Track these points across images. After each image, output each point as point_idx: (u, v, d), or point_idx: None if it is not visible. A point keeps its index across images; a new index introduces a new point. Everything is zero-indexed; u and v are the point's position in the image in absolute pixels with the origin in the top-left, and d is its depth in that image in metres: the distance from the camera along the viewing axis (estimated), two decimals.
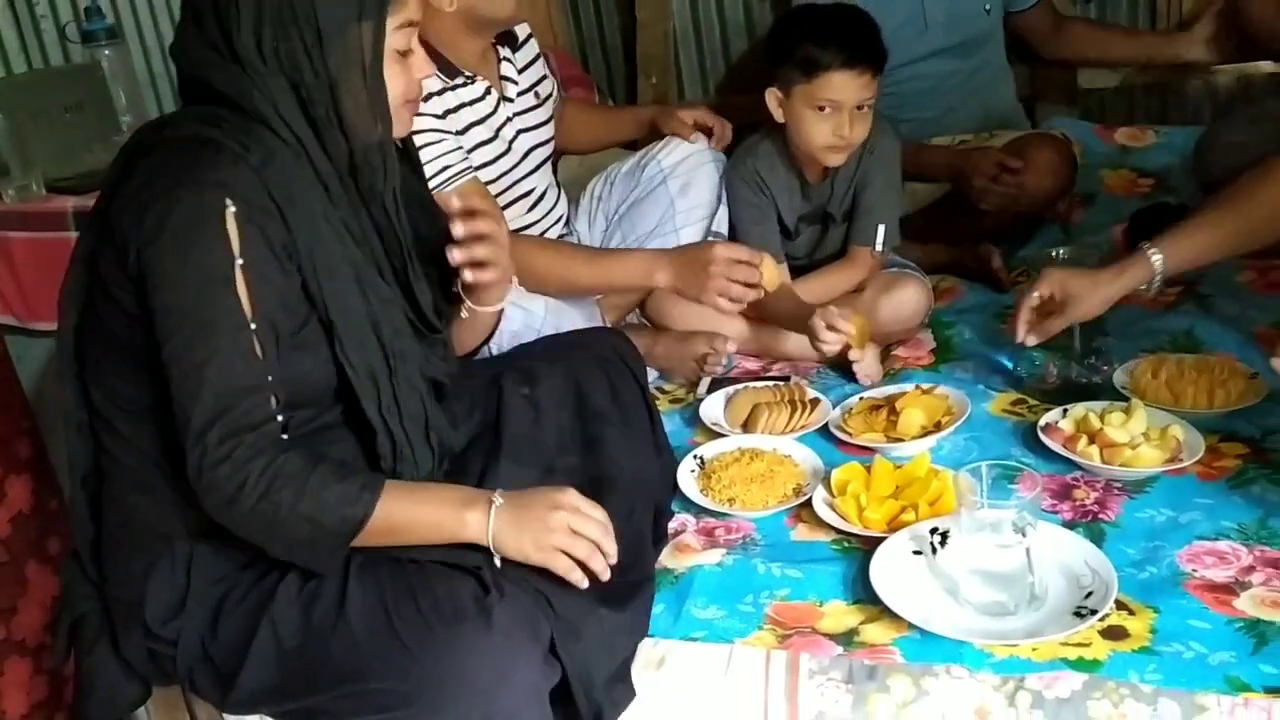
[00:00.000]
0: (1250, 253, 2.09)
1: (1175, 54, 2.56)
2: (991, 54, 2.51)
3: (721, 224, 2.00)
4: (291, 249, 1.19)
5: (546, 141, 2.03)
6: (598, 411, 1.48)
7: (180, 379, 1.15)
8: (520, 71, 1.97)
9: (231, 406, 1.14)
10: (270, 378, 1.17)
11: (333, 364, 1.23)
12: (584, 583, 1.21)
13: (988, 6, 2.41)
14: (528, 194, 1.98)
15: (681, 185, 1.96)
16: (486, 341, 1.59)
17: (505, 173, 1.92)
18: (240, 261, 1.14)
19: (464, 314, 1.44)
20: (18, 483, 1.78)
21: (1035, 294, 1.66)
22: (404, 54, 1.26)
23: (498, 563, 1.21)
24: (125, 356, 1.22)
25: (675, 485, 1.59)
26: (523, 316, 1.71)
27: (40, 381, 1.99)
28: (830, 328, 1.81)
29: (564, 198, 2.12)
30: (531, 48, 2.03)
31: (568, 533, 1.21)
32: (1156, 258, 1.56)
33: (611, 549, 1.23)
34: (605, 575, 1.22)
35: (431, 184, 1.75)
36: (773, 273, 1.78)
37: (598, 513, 1.24)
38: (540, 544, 1.20)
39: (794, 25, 1.98)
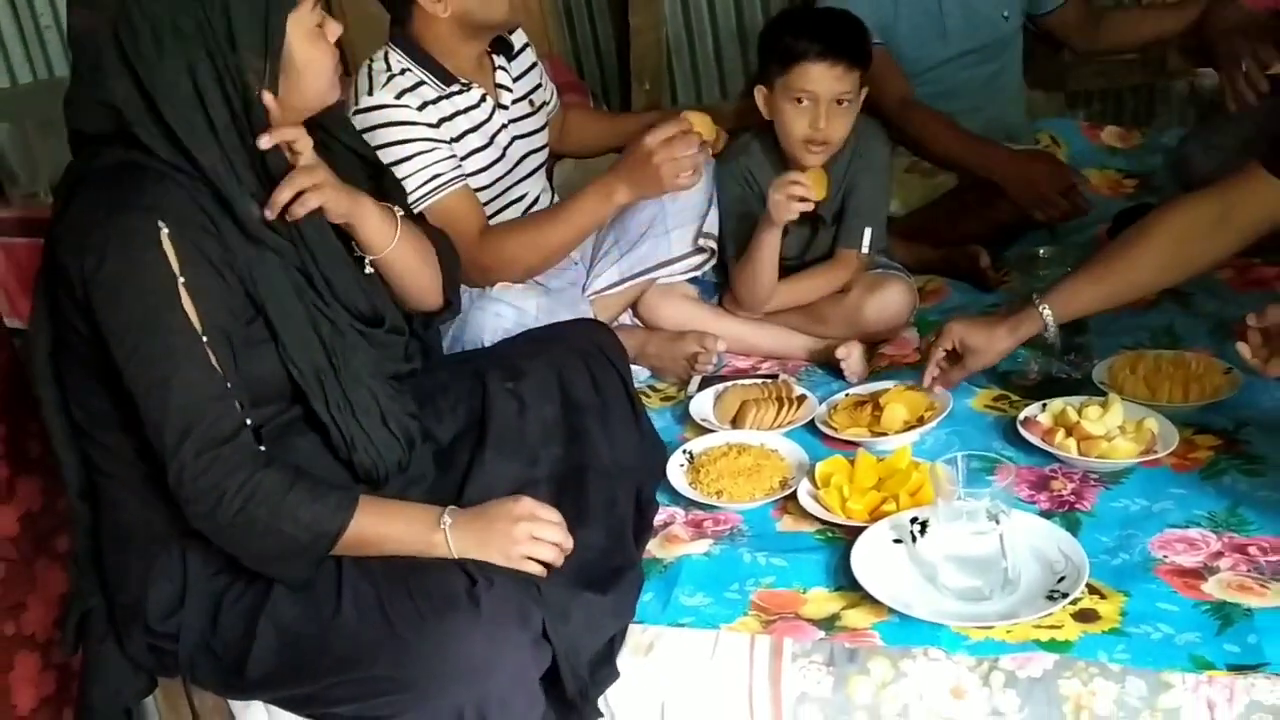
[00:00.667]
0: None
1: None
2: (1008, 62, 2.52)
3: (713, 225, 2.04)
4: (229, 260, 1.23)
5: (541, 148, 2.07)
6: (579, 403, 1.54)
7: (145, 400, 1.20)
8: (515, 80, 2.02)
9: (199, 419, 1.19)
10: (230, 385, 1.22)
11: (282, 365, 1.29)
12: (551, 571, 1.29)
13: (1006, 13, 2.41)
14: (521, 199, 2.02)
15: None
16: (454, 306, 1.58)
17: (499, 178, 1.96)
18: (182, 279, 1.19)
19: (369, 269, 1.44)
20: (27, 482, 1.82)
21: (939, 349, 1.74)
22: (319, 25, 1.30)
23: None
24: (94, 377, 1.27)
25: (662, 471, 1.64)
26: (515, 315, 1.76)
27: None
28: (790, 196, 1.87)
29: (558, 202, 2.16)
30: (528, 56, 2.07)
31: (530, 541, 1.28)
32: (1046, 312, 1.66)
33: (569, 545, 1.31)
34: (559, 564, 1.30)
35: (423, 191, 1.80)
36: (705, 125, 1.83)
37: (554, 515, 1.32)
38: (508, 554, 1.28)
39: (779, 22, 2.05)
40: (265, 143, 1.25)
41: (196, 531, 1.27)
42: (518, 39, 2.05)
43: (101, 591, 1.38)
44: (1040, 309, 1.66)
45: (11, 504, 1.79)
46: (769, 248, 1.96)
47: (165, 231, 1.18)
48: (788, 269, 2.13)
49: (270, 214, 1.27)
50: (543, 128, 2.07)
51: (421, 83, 1.86)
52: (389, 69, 1.85)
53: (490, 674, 1.19)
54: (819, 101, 1.92)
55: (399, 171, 1.78)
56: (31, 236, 2.02)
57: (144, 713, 1.51)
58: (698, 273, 2.07)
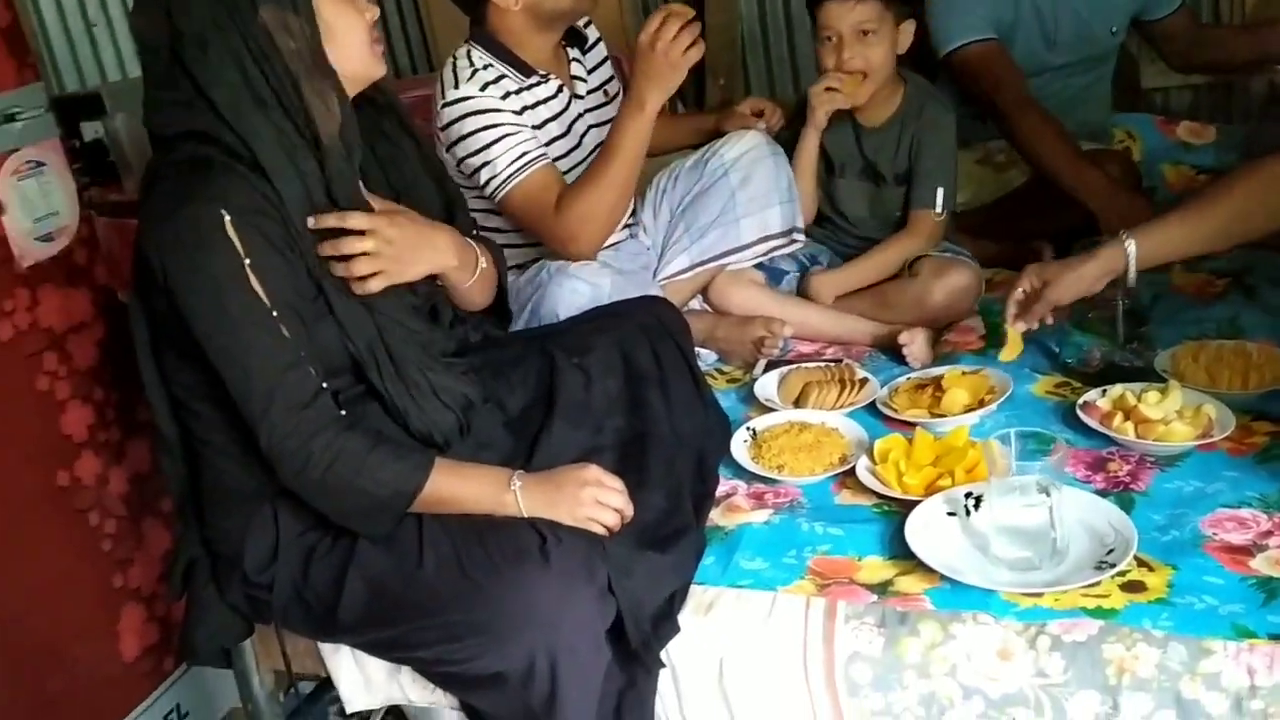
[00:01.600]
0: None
1: None
2: (1105, 71, 2.54)
3: (788, 220, 2.09)
4: (291, 241, 1.33)
5: None
6: (641, 374, 1.62)
7: (229, 373, 1.31)
8: (589, 71, 2.11)
9: (279, 387, 1.29)
10: (303, 354, 1.32)
11: (339, 341, 1.38)
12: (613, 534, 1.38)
13: (1115, 29, 2.42)
14: None
15: (742, 177, 2.06)
16: (503, 300, 1.68)
17: (575, 166, 2.05)
18: (248, 261, 1.28)
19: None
20: (136, 445, 1.96)
21: (1019, 289, 1.76)
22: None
23: None
24: (183, 355, 1.38)
25: (726, 441, 1.71)
26: (590, 291, 1.83)
27: None
28: (826, 89, 2.03)
29: None
30: (600, 50, 2.16)
31: (595, 504, 1.37)
32: (1130, 244, 1.64)
33: (630, 511, 1.40)
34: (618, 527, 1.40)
35: (512, 170, 1.90)
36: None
37: (617, 484, 1.40)
38: (574, 515, 1.37)
39: None
40: (320, 222, 1.35)
41: (287, 491, 1.38)
42: (591, 34, 2.14)
43: (203, 545, 1.50)
44: (1125, 243, 1.65)
45: (122, 465, 1.93)
46: (807, 154, 2.14)
47: (228, 219, 1.27)
48: (861, 241, 2.21)
49: (323, 250, 1.36)
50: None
51: (503, 76, 1.96)
52: (472, 65, 1.95)
53: (559, 622, 1.27)
54: (842, 36, 2.02)
55: (487, 156, 1.88)
56: None
57: (241, 654, 1.61)
58: (765, 258, 2.14)
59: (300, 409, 1.30)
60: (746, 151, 2.09)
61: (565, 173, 2.02)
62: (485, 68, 1.96)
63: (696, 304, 2.19)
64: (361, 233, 1.37)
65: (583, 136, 2.07)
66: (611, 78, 2.17)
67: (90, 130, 2.20)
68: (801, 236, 2.13)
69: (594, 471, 1.41)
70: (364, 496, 1.33)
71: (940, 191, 2.13)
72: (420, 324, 1.47)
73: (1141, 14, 2.46)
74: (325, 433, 1.31)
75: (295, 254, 1.33)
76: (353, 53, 1.39)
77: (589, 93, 2.10)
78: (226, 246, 1.28)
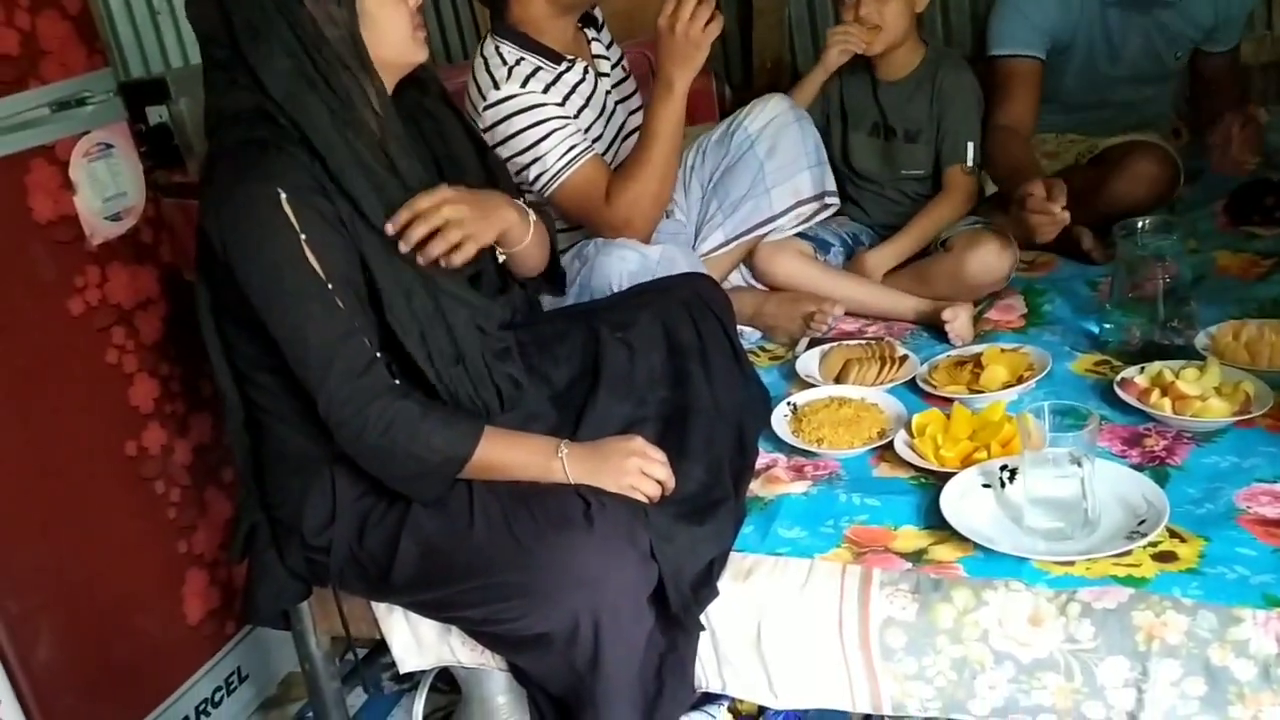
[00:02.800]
0: None
1: None
2: (1167, 88, 2.54)
3: (818, 184, 2.13)
4: (344, 218, 1.38)
5: (637, 110, 2.19)
6: (683, 348, 1.65)
7: (288, 344, 1.36)
8: (607, 47, 2.16)
9: (336, 355, 1.35)
10: (357, 324, 1.37)
11: (382, 322, 1.42)
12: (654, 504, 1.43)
13: (1179, 54, 2.42)
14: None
15: (769, 148, 2.09)
16: (556, 262, 1.72)
17: (611, 144, 2.10)
18: (304, 237, 1.34)
19: (501, 257, 1.59)
20: (199, 418, 2.04)
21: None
22: None
23: None
24: (242, 326, 1.44)
25: (766, 415, 1.75)
26: (639, 259, 1.87)
27: None
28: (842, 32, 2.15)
29: None
30: (607, 31, 2.21)
31: (639, 474, 1.42)
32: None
33: (671, 483, 1.44)
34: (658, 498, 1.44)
35: (562, 164, 1.94)
36: None
37: (660, 456, 1.45)
38: (619, 484, 1.41)
39: None
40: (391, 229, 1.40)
41: (344, 458, 1.44)
42: (598, 13, 2.18)
43: (264, 510, 1.57)
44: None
45: (186, 437, 2.01)
46: (810, 85, 2.28)
47: (284, 196, 1.33)
48: (876, 193, 2.27)
49: (404, 247, 1.41)
50: (636, 90, 2.21)
51: (538, 68, 1.99)
52: (504, 61, 1.97)
53: (603, 584, 1.32)
54: None
55: (537, 153, 1.93)
56: None
57: (299, 616, 1.68)
58: (806, 225, 2.17)
59: (356, 377, 1.36)
60: (771, 120, 2.11)
61: (603, 153, 2.06)
62: (519, 62, 1.97)
63: (741, 280, 2.22)
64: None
65: (612, 115, 2.12)
66: (623, 55, 2.23)
67: (155, 115, 2.28)
68: (835, 199, 2.16)
69: (639, 443, 1.46)
70: (416, 462, 1.38)
71: (970, 146, 2.19)
72: (477, 297, 1.51)
73: (1203, 44, 2.45)
74: (380, 400, 1.36)
75: (347, 230, 1.39)
76: (395, 39, 1.44)
77: (611, 68, 2.15)
78: (283, 223, 1.33)
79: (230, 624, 2.10)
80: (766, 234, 2.14)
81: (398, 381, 1.41)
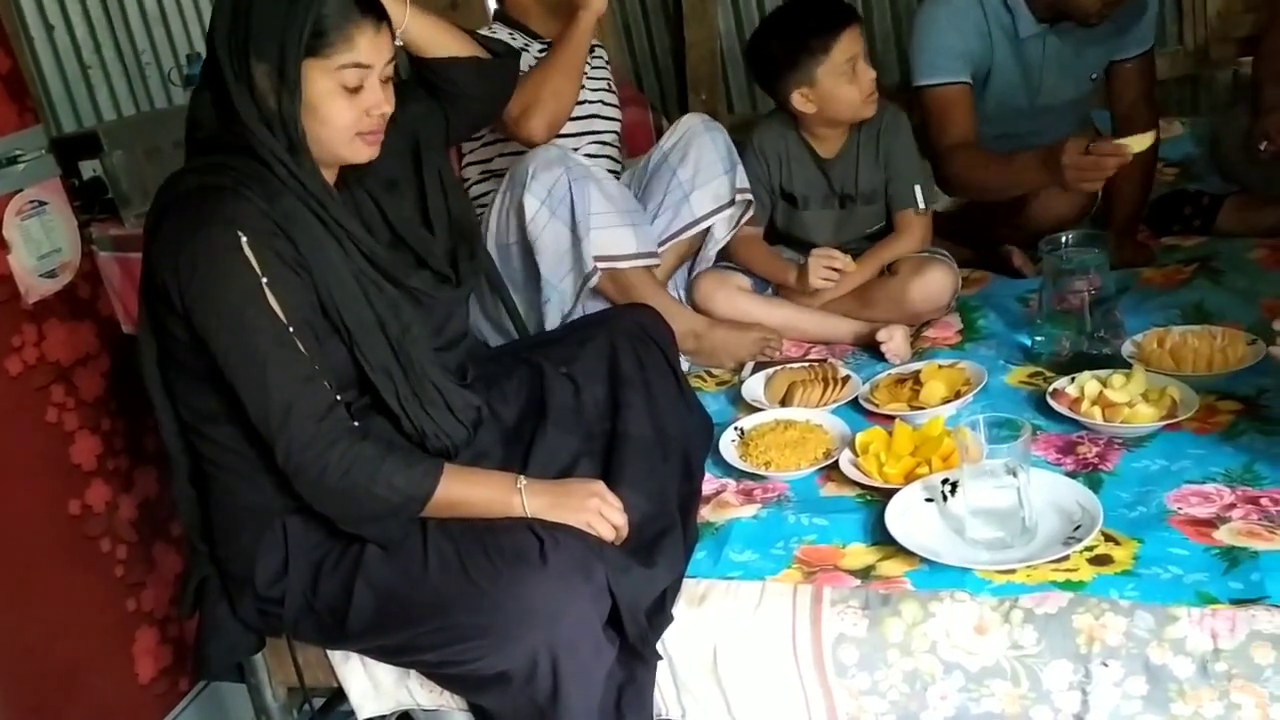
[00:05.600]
0: (1263, 231, 2.22)
1: None
2: (1085, 110, 2.56)
3: (743, 181, 2.19)
4: (304, 263, 1.39)
5: (610, 109, 2.37)
6: (624, 378, 1.68)
7: (246, 389, 1.35)
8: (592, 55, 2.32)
9: (297, 398, 1.35)
10: (318, 366, 1.37)
11: (352, 359, 1.43)
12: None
13: (1094, 75, 2.43)
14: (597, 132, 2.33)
15: (680, 157, 2.16)
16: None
17: (589, 121, 2.28)
18: (265, 279, 1.34)
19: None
20: (144, 472, 2.02)
21: None
22: (353, 90, 1.40)
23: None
24: (193, 378, 1.43)
25: (708, 441, 1.78)
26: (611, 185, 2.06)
27: None
28: (827, 267, 2.13)
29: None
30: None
31: (598, 515, 1.43)
32: None
33: (625, 531, 1.45)
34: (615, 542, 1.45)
35: None
36: None
37: (618, 503, 1.45)
38: (577, 520, 1.42)
39: (786, 30, 2.19)
40: None
41: (296, 508, 1.43)
42: None
43: (213, 564, 1.55)
44: None
45: (131, 493, 2.00)
46: (773, 279, 2.27)
47: (244, 239, 1.33)
48: (840, 248, 2.26)
49: None
50: (612, 92, 2.39)
51: (525, 45, 2.21)
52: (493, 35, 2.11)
53: (559, 620, 1.32)
54: (858, 60, 2.12)
55: None
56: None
57: (254, 669, 1.67)
58: (736, 230, 2.24)
59: (317, 420, 1.35)
60: (682, 134, 2.19)
61: (580, 134, 2.26)
62: (511, 38, 2.21)
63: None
64: None
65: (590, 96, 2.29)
66: (607, 63, 2.43)
67: (88, 169, 2.27)
68: (748, 195, 2.20)
69: (600, 486, 1.47)
70: (378, 503, 1.38)
71: (918, 188, 2.22)
72: (417, 299, 1.53)
73: (1114, 54, 2.42)
74: (340, 443, 1.36)
75: (305, 273, 1.39)
76: (332, 135, 1.42)
77: (592, 67, 2.30)
78: (244, 267, 1.32)
79: (184, 681, 2.07)
80: (694, 236, 2.19)
81: (356, 424, 1.41)
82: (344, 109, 1.41)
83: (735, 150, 2.20)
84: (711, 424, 1.84)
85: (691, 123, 2.21)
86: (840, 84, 2.13)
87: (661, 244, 2.16)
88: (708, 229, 2.19)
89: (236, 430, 1.43)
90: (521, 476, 1.45)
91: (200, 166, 1.40)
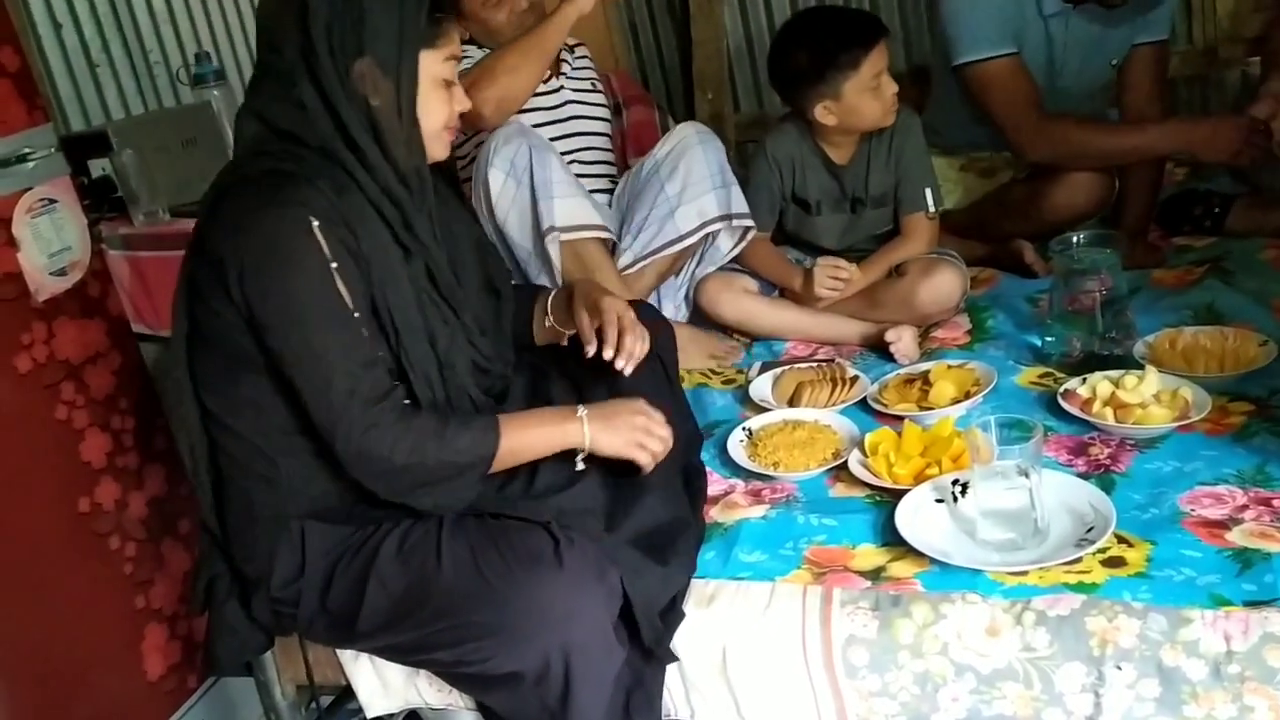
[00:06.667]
0: (1273, 231, 2.21)
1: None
2: (1103, 99, 2.54)
3: (723, 205, 2.16)
4: (364, 259, 1.38)
5: (597, 118, 2.37)
6: (624, 389, 1.64)
7: (305, 373, 1.34)
8: (575, 59, 2.35)
9: (360, 382, 1.35)
10: (380, 353, 1.38)
11: (395, 360, 1.43)
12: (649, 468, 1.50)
13: (1115, 61, 2.41)
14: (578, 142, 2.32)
15: (670, 170, 2.16)
16: None
17: (565, 140, 2.27)
18: (334, 264, 1.34)
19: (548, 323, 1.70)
20: (154, 470, 2.03)
21: None
22: (448, 84, 1.45)
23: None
24: (233, 362, 1.41)
25: (698, 443, 1.79)
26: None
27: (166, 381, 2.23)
28: (833, 276, 2.13)
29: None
30: (582, 49, 2.41)
31: (646, 433, 1.48)
32: None
33: (670, 443, 1.51)
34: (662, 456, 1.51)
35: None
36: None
37: (661, 418, 1.51)
38: (629, 440, 1.47)
39: (813, 41, 2.14)
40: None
41: (314, 513, 1.43)
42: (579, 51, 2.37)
43: (227, 562, 1.54)
44: None
45: (141, 490, 2.00)
46: (780, 283, 2.28)
47: (315, 223, 1.32)
48: (840, 254, 2.27)
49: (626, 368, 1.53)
50: (600, 104, 2.40)
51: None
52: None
53: (573, 621, 1.32)
54: (883, 74, 2.10)
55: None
56: (154, 250, 2.22)
57: (262, 666, 1.67)
58: (742, 247, 2.23)
59: (377, 403, 1.35)
60: (675, 145, 2.18)
61: (566, 135, 2.28)
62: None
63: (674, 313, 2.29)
64: None
65: (564, 105, 2.30)
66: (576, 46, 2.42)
67: (97, 167, 2.27)
68: (746, 221, 2.18)
69: (642, 403, 1.51)
70: (447, 468, 1.38)
71: (928, 191, 2.21)
72: (483, 343, 1.55)
73: (1135, 38, 2.40)
74: (401, 421, 1.36)
75: (365, 268, 1.38)
76: (426, 129, 1.44)
77: (574, 71, 2.33)
78: (315, 249, 1.32)
79: (192, 678, 2.07)
80: (676, 253, 2.19)
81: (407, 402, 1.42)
82: (444, 102, 1.44)
83: (729, 169, 2.17)
84: (701, 438, 1.83)
85: (685, 133, 2.18)
86: (865, 98, 2.11)
87: (644, 258, 2.16)
88: (689, 245, 2.17)
89: (263, 421, 1.42)
90: (581, 407, 1.47)
91: (267, 153, 1.39)
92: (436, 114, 1.44)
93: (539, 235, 2.02)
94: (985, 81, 2.29)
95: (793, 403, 1.91)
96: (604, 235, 2.10)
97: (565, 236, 2.02)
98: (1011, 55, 2.27)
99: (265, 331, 1.35)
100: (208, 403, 1.46)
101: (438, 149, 1.47)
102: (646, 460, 1.48)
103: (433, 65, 1.41)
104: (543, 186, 2.00)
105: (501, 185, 2.01)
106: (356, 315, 1.35)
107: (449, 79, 1.45)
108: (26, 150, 1.79)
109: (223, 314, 1.38)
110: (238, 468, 1.47)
